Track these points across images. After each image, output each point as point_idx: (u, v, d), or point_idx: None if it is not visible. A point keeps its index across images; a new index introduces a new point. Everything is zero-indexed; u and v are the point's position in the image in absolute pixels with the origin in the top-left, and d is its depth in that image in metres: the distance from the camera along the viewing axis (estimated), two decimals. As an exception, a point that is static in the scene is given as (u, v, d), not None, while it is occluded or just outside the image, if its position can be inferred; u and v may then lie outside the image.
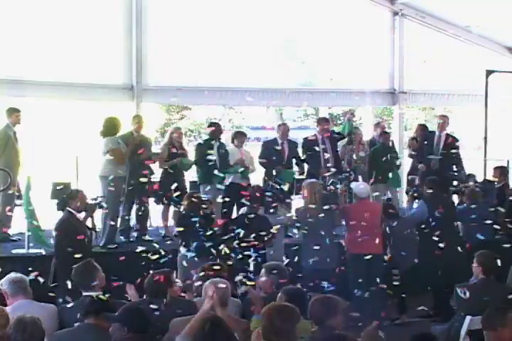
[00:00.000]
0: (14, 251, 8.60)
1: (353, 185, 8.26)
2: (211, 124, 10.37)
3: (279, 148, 9.91)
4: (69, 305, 5.40)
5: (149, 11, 11.61)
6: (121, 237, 9.32)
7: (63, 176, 10.64)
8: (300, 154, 10.11)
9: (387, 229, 7.91)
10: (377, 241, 7.78)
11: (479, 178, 10.63)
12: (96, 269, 5.52)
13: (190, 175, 10.12)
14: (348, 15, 12.80)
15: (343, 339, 3.99)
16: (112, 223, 8.83)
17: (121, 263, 7.14)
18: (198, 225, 7.43)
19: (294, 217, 8.00)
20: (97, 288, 5.41)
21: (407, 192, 9.86)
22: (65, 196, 7.43)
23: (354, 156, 10.62)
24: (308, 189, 7.85)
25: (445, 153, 10.31)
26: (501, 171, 10.07)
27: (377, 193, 9.24)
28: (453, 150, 10.30)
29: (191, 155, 9.88)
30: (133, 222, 9.66)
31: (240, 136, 10.14)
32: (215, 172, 8.66)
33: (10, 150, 9.13)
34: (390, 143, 11.06)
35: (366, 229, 7.61)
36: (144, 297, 5.40)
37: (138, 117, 9.84)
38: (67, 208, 7.21)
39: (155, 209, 10.08)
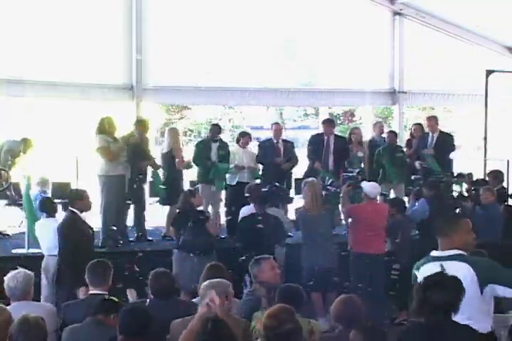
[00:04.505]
0: (14, 251, 8.60)
1: (363, 184, 8.12)
2: (212, 126, 10.35)
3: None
4: (73, 302, 5.41)
5: (149, 11, 11.61)
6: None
7: (63, 176, 10.65)
8: (297, 154, 10.22)
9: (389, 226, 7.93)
10: (381, 241, 7.81)
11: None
12: (109, 269, 5.51)
13: (190, 174, 10.14)
14: (348, 15, 12.80)
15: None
16: (110, 222, 8.85)
17: (121, 264, 7.14)
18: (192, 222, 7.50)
19: (294, 217, 8.02)
20: (106, 287, 5.40)
21: (409, 192, 9.79)
22: (73, 196, 7.41)
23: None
24: (308, 189, 7.86)
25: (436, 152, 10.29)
26: (494, 175, 9.53)
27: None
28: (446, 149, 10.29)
29: (188, 155, 9.90)
30: (131, 222, 9.67)
31: (244, 137, 10.15)
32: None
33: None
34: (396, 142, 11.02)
35: (372, 230, 7.66)
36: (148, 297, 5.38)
37: (142, 121, 9.81)
38: (70, 208, 7.20)
39: (155, 209, 10.10)
